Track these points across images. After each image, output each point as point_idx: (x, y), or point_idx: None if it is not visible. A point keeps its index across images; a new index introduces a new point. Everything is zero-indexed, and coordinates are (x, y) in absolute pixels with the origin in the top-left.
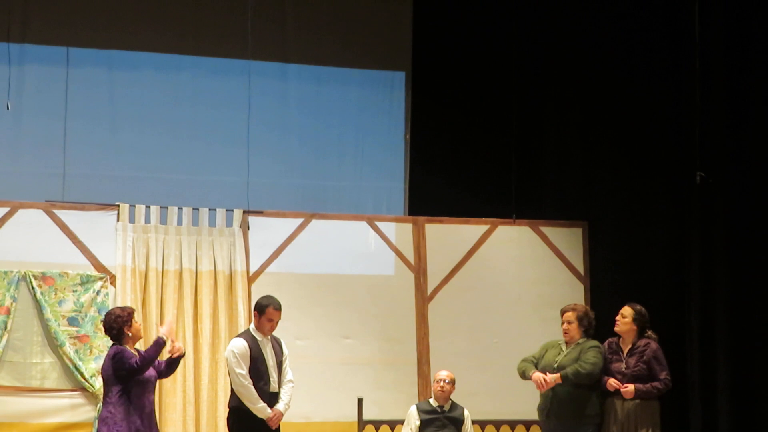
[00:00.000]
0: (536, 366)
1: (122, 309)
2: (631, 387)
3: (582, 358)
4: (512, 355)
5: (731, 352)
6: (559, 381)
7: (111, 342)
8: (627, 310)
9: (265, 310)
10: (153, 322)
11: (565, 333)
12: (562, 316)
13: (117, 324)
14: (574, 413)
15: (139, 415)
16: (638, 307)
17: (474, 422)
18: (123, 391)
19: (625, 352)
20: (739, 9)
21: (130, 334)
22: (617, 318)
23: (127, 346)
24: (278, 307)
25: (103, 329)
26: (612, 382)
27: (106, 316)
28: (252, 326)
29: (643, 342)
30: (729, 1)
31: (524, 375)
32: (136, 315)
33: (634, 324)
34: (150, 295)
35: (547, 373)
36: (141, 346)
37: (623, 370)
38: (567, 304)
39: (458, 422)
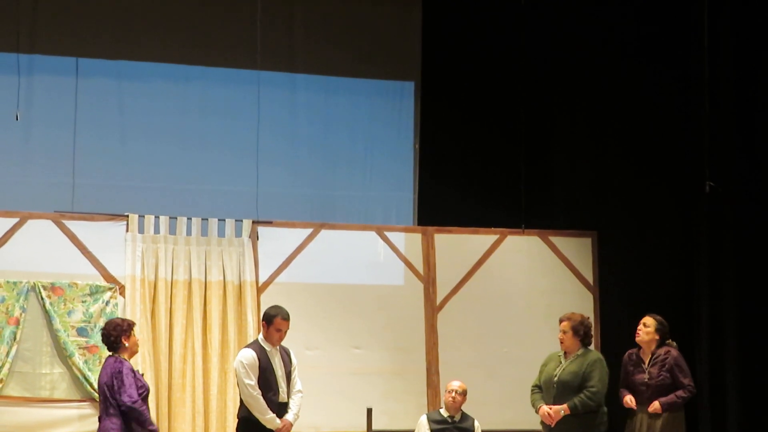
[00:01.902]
0: (540, 389)
1: (123, 320)
2: (656, 404)
3: (586, 384)
4: (522, 364)
5: (740, 360)
6: (567, 412)
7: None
8: (649, 320)
9: (273, 321)
10: (162, 332)
11: (561, 342)
12: (559, 325)
13: (116, 332)
14: (580, 426)
15: (141, 427)
16: (659, 317)
17: None
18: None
19: (647, 363)
20: (748, 18)
21: (126, 344)
22: (639, 328)
23: (125, 357)
24: (286, 317)
25: (102, 335)
26: (627, 400)
27: (106, 324)
28: (260, 336)
29: (663, 351)
30: (738, 11)
31: (534, 407)
32: (136, 329)
33: (657, 333)
34: (159, 305)
35: (552, 401)
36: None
37: (646, 381)
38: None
39: None
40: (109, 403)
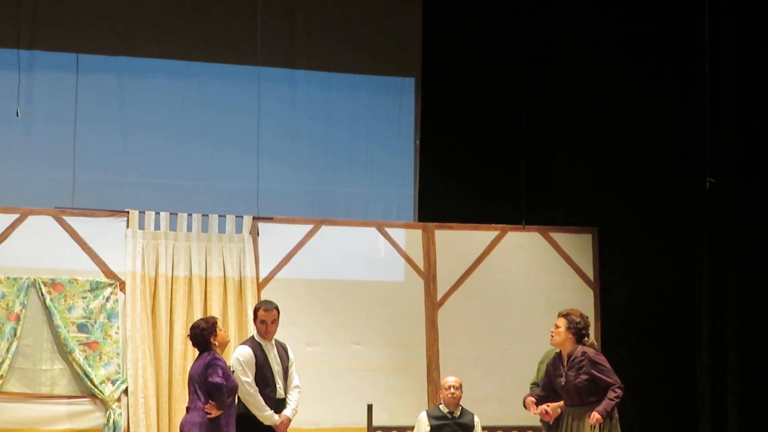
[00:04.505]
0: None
1: (205, 321)
2: (595, 415)
3: None
4: (522, 361)
5: (741, 358)
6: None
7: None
8: (560, 320)
9: (257, 313)
10: (162, 328)
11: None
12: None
13: (202, 337)
14: None
15: (228, 420)
16: (573, 314)
17: (484, 428)
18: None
19: (566, 365)
20: (749, 15)
21: (216, 343)
22: (552, 330)
23: (218, 352)
24: (269, 308)
25: (191, 341)
26: (532, 406)
27: (191, 330)
28: (255, 332)
29: (579, 351)
30: (738, 8)
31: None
32: (219, 323)
33: (569, 332)
34: (159, 301)
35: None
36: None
37: (563, 384)
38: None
39: (468, 428)
40: (197, 395)
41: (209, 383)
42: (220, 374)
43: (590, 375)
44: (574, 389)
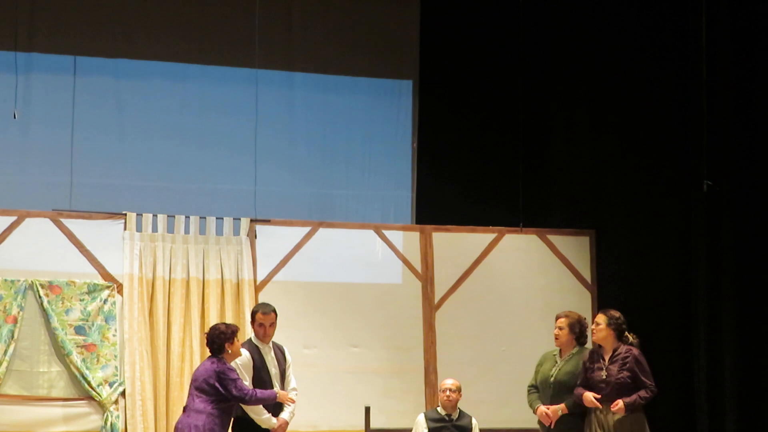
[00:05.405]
0: (536, 389)
1: (227, 326)
2: (620, 403)
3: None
4: (520, 363)
5: (738, 361)
6: (565, 411)
7: (209, 354)
8: (600, 317)
9: (254, 316)
10: (160, 330)
11: (556, 338)
12: (556, 322)
13: (219, 339)
14: (578, 425)
15: (227, 425)
16: (611, 312)
17: (482, 430)
18: (215, 402)
19: (607, 360)
20: (746, 17)
21: (230, 351)
22: (593, 328)
23: (225, 360)
24: (266, 311)
25: (206, 339)
26: (588, 397)
27: (210, 329)
28: (253, 335)
29: (624, 348)
30: (736, 10)
31: (531, 407)
32: (239, 334)
33: (610, 329)
34: (157, 304)
35: (549, 401)
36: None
37: (605, 378)
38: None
39: (466, 431)
40: (197, 397)
41: (236, 397)
42: (238, 386)
43: (633, 372)
44: (615, 384)
